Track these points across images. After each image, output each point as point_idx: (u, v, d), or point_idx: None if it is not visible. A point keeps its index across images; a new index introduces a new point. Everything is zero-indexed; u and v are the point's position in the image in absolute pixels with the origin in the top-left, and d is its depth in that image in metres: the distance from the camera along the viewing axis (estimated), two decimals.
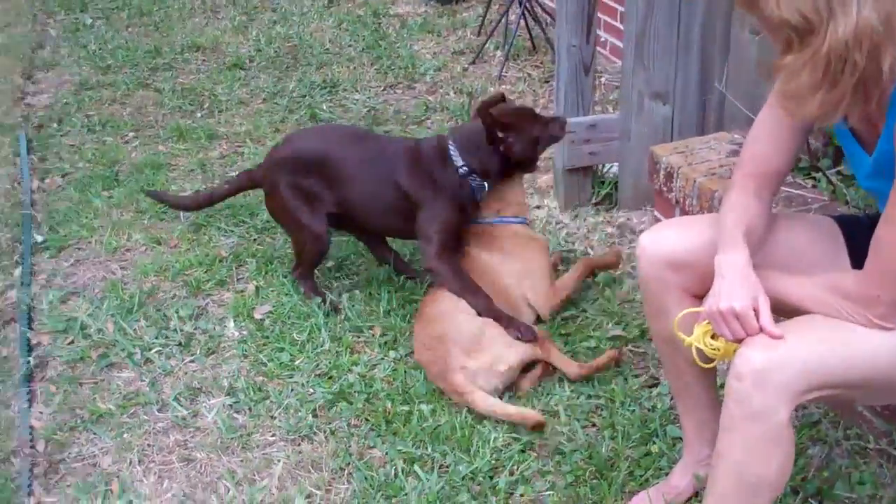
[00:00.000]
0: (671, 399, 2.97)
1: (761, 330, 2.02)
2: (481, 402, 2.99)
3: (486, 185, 3.39)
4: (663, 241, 2.34)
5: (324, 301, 3.56)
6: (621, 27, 5.18)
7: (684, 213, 3.21)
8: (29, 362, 3.39)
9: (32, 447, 3.03)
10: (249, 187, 3.91)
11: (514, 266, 3.39)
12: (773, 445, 2.01)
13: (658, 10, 3.72)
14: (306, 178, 3.53)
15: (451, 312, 3.21)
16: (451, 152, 3.39)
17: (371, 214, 3.56)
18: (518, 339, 3.14)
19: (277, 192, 3.59)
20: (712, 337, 2.16)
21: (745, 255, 2.11)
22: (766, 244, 2.24)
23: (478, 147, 3.36)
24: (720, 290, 2.07)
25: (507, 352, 3.10)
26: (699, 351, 2.19)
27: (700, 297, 2.26)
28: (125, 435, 3.05)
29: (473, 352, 3.09)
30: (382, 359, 3.31)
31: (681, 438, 2.70)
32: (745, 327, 2.03)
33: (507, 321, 3.19)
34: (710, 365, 2.29)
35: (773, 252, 2.25)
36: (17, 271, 3.94)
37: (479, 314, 3.21)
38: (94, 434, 3.07)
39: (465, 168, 3.37)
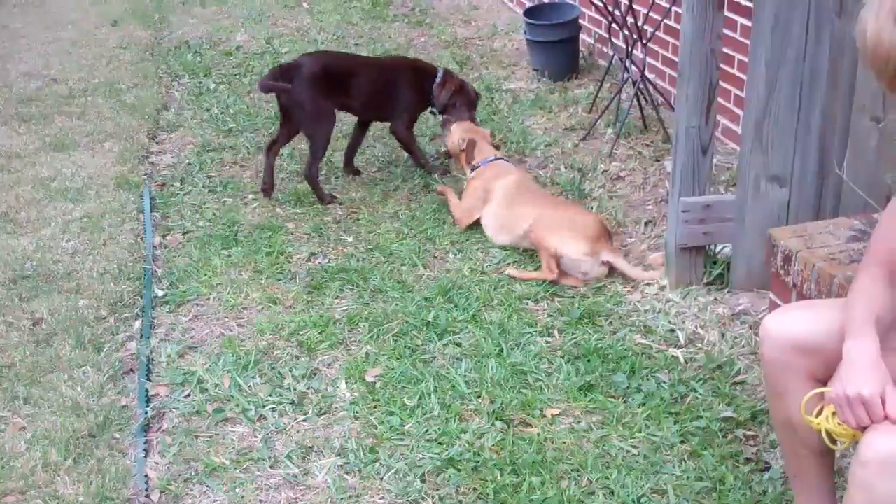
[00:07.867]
0: (783, 484, 2.93)
1: (887, 418, 2.00)
2: None
3: None
4: (790, 324, 2.34)
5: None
6: (735, 109, 5.22)
7: (801, 297, 3.18)
8: (147, 413, 3.49)
9: (147, 497, 3.10)
10: None
11: None
12: None
13: (779, 94, 3.72)
14: None
15: None
16: None
17: None
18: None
19: None
20: None
21: (876, 344, 2.10)
22: (892, 333, 2.23)
23: None
24: (848, 376, 2.06)
25: None
26: (827, 433, 2.18)
27: (824, 382, 2.25)
28: (237, 489, 3.11)
29: None
30: (490, 427, 3.33)
31: None
32: (871, 415, 2.02)
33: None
34: (837, 448, 2.27)
35: None
36: (137, 324, 4.06)
37: None
38: (208, 487, 3.14)
39: None
